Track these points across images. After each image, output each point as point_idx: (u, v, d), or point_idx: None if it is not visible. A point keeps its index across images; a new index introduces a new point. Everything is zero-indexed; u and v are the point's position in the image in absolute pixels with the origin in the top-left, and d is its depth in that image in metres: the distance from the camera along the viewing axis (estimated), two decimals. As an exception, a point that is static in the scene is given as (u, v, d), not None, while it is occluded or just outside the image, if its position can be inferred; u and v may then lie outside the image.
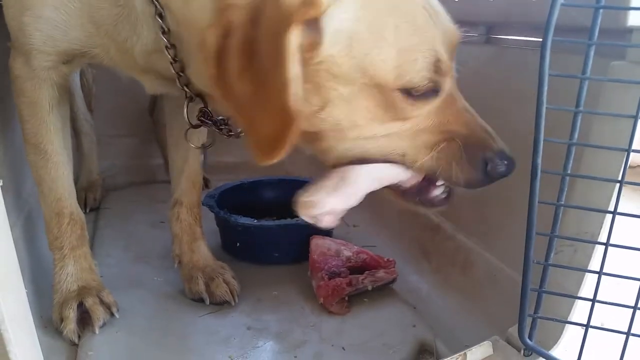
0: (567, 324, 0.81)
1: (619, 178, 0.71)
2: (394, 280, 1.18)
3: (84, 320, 1.00)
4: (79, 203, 1.08)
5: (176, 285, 1.19)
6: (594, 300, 0.73)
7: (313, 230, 1.29)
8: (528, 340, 0.80)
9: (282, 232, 1.32)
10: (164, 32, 0.81)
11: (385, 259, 1.20)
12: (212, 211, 1.35)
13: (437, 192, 0.84)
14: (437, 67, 0.73)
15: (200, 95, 0.90)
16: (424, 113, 0.76)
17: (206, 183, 1.75)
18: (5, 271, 0.64)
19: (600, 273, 0.71)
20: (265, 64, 0.65)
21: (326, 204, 0.77)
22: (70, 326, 0.98)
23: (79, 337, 0.99)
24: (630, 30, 0.76)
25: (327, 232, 1.36)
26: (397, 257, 1.22)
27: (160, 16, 0.80)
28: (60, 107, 0.99)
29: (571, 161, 0.72)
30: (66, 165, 1.03)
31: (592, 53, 0.68)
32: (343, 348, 0.99)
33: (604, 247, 0.71)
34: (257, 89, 0.66)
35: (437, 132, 0.78)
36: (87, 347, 0.96)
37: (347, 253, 1.21)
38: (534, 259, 0.76)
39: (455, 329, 1.06)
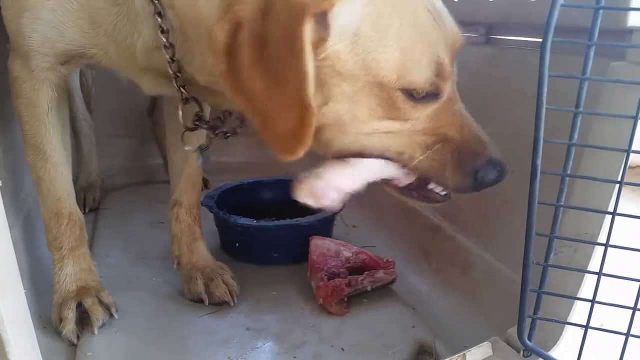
0: (566, 325, 0.81)
1: (619, 179, 0.71)
2: (393, 281, 1.18)
3: (83, 320, 1.00)
4: (78, 203, 1.08)
5: (175, 286, 1.19)
6: (593, 301, 0.72)
7: (312, 231, 1.30)
8: (527, 341, 0.80)
9: (281, 232, 1.32)
10: (162, 31, 0.81)
11: (385, 260, 1.19)
12: (211, 212, 1.35)
13: (438, 188, 0.84)
14: (438, 71, 0.73)
15: (196, 99, 0.90)
16: (423, 115, 0.76)
17: (205, 184, 1.75)
18: (5, 271, 0.64)
19: (599, 274, 0.71)
20: (279, 58, 0.65)
21: (328, 177, 0.76)
22: (69, 327, 0.98)
23: (78, 337, 0.98)
24: (630, 30, 0.76)
25: (326, 233, 1.36)
26: (396, 257, 1.21)
27: (160, 15, 0.80)
28: (59, 107, 0.99)
29: (571, 162, 0.72)
30: (65, 166, 1.03)
31: (592, 54, 0.68)
32: (342, 349, 0.99)
33: (603, 247, 0.70)
34: (271, 84, 0.66)
35: (432, 134, 0.78)
36: (86, 347, 0.96)
37: (346, 253, 1.21)
38: (533, 259, 0.76)
39: (454, 330, 1.06)
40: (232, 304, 1.12)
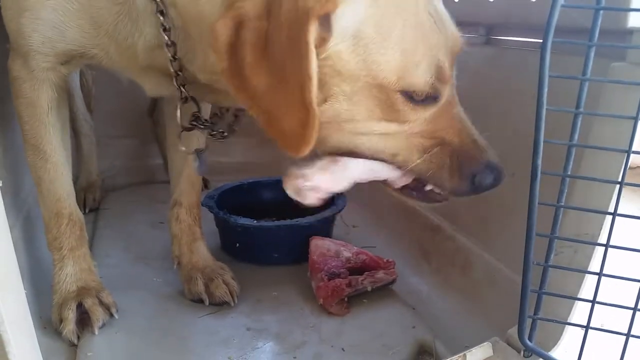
0: (567, 325, 0.81)
1: (619, 179, 0.71)
2: (393, 281, 1.17)
3: (84, 321, 1.00)
4: (78, 204, 1.08)
5: (175, 286, 1.19)
6: (593, 302, 0.72)
7: (313, 231, 1.30)
8: (528, 342, 0.80)
9: (281, 232, 1.32)
10: (164, 30, 0.81)
11: (385, 260, 1.19)
12: (211, 212, 1.35)
13: (437, 188, 0.84)
14: (438, 74, 0.73)
15: (194, 98, 0.90)
16: (421, 118, 0.77)
17: (205, 184, 1.75)
18: (5, 272, 0.64)
19: (600, 274, 0.71)
20: (283, 57, 0.65)
21: (315, 179, 0.77)
22: (70, 327, 0.98)
23: (78, 337, 0.98)
24: (631, 31, 0.76)
25: (326, 233, 1.36)
26: (396, 258, 1.21)
27: (162, 13, 0.80)
28: (59, 107, 0.99)
29: (571, 162, 0.72)
30: (65, 166, 1.03)
31: (592, 54, 0.68)
32: (343, 349, 0.99)
33: (604, 248, 0.70)
34: (275, 83, 0.66)
35: (430, 137, 0.78)
36: (87, 347, 0.96)
37: (346, 254, 1.21)
38: (533, 260, 0.76)
39: (455, 330, 1.06)
40: (232, 304, 1.12)
